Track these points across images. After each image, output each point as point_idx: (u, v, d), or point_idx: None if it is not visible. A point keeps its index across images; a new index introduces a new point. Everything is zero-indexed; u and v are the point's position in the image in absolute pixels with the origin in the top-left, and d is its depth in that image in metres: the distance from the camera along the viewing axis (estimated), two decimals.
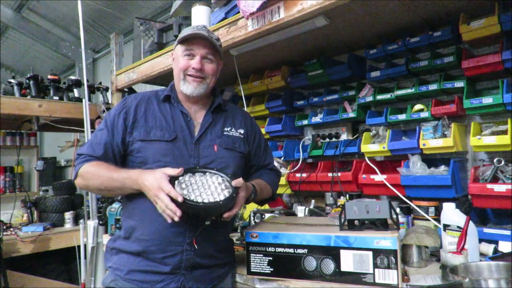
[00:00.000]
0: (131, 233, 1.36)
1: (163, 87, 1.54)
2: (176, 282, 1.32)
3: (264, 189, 1.51)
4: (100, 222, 2.79)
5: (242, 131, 1.51)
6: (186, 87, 1.40)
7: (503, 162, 1.56)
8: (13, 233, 3.05)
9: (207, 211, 1.21)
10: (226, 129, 1.47)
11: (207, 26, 1.47)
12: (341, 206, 2.02)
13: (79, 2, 2.75)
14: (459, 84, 1.69)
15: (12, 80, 3.26)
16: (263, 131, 2.43)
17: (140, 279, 1.32)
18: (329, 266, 1.27)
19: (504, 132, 1.54)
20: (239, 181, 1.28)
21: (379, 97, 1.94)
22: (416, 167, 1.74)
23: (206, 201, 1.18)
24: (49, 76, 3.36)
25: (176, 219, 1.16)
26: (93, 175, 1.33)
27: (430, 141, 1.70)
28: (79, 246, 2.97)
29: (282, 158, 2.33)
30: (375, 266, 1.21)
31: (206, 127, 1.43)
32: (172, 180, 1.21)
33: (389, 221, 1.33)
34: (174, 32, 2.39)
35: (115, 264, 1.38)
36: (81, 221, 2.96)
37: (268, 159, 1.64)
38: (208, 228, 1.28)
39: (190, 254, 1.33)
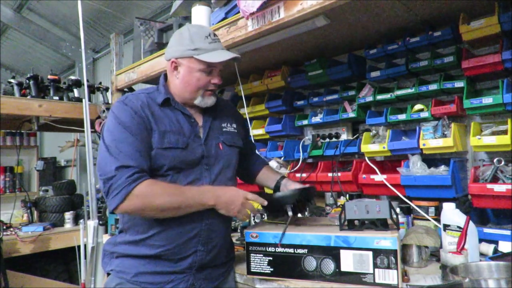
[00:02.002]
0: (141, 240, 1.32)
1: (149, 87, 1.48)
2: (186, 282, 1.32)
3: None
4: (100, 222, 2.80)
5: (235, 126, 1.54)
6: (204, 102, 1.39)
7: (503, 162, 1.56)
8: (13, 233, 3.05)
9: (282, 200, 1.41)
10: (223, 125, 1.49)
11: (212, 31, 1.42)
12: (341, 206, 2.02)
13: (79, 2, 2.75)
14: (459, 84, 1.68)
15: (12, 80, 3.27)
16: (263, 131, 2.44)
17: (149, 281, 1.30)
18: (329, 266, 1.27)
19: (504, 132, 1.54)
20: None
21: (379, 97, 1.94)
22: (416, 167, 1.74)
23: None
24: (49, 76, 3.36)
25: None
26: (160, 193, 1.22)
27: (430, 141, 1.70)
28: (79, 246, 2.98)
29: (282, 158, 2.33)
30: (375, 266, 1.21)
31: (209, 126, 1.43)
32: None
33: (389, 221, 1.33)
34: (174, 32, 2.38)
35: (117, 267, 1.34)
36: (81, 221, 2.97)
37: (253, 147, 1.76)
38: (217, 226, 1.38)
39: (203, 254, 1.34)
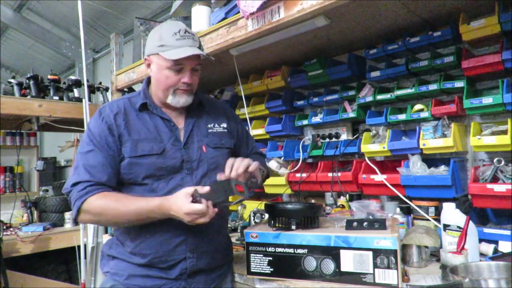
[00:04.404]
0: (129, 247, 1.33)
1: (133, 92, 1.48)
2: (178, 287, 1.31)
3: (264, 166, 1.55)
4: None
5: (225, 125, 1.48)
6: (176, 101, 1.34)
7: (503, 162, 1.56)
8: (13, 233, 3.05)
9: (288, 213, 1.38)
10: (209, 126, 1.44)
11: (188, 29, 1.35)
12: (341, 206, 2.02)
13: (79, 2, 2.75)
14: (459, 84, 1.68)
15: (12, 80, 3.26)
16: (263, 131, 2.44)
17: (141, 284, 1.30)
18: (329, 266, 1.27)
19: (504, 132, 1.54)
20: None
21: (379, 97, 1.94)
22: (416, 167, 1.74)
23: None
24: (49, 76, 3.35)
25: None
26: (106, 210, 1.21)
27: (430, 141, 1.70)
28: (79, 246, 2.97)
29: (282, 158, 2.33)
30: (375, 266, 1.21)
31: (191, 129, 1.39)
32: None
33: (388, 222, 1.33)
34: None
35: (112, 269, 1.35)
36: None
37: (251, 144, 1.64)
38: (207, 232, 1.34)
39: (193, 261, 1.32)
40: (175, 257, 1.30)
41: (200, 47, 1.34)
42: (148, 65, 1.37)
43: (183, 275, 1.31)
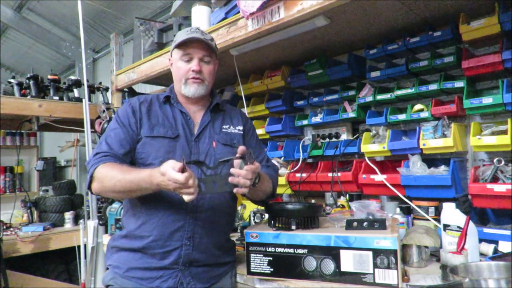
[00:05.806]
0: (131, 230, 1.38)
1: (164, 92, 1.60)
2: (174, 278, 1.33)
3: (266, 179, 1.46)
4: (100, 222, 2.80)
5: (240, 128, 1.55)
6: (187, 90, 1.45)
7: (503, 162, 1.56)
8: (13, 233, 3.05)
9: (288, 213, 1.39)
10: (224, 126, 1.52)
11: (201, 28, 1.49)
12: (341, 206, 2.02)
13: (79, 2, 2.76)
14: (459, 84, 1.68)
15: (12, 80, 3.26)
16: (263, 131, 2.44)
17: (139, 276, 1.34)
18: (329, 266, 1.27)
19: (504, 132, 1.54)
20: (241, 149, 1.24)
21: (379, 97, 1.94)
22: (416, 167, 1.74)
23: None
24: (49, 76, 3.35)
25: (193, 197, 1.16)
26: (106, 175, 1.29)
27: (430, 141, 1.70)
28: (79, 246, 2.98)
29: (282, 158, 2.33)
30: (375, 266, 1.21)
31: (205, 125, 1.47)
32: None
33: (388, 222, 1.33)
34: (174, 32, 2.39)
35: (114, 262, 1.40)
36: (81, 221, 2.97)
37: (261, 155, 1.61)
38: (206, 223, 1.37)
39: (189, 249, 1.35)
40: (172, 243, 1.33)
41: (211, 42, 1.44)
42: (171, 64, 1.52)
43: (178, 264, 1.33)
